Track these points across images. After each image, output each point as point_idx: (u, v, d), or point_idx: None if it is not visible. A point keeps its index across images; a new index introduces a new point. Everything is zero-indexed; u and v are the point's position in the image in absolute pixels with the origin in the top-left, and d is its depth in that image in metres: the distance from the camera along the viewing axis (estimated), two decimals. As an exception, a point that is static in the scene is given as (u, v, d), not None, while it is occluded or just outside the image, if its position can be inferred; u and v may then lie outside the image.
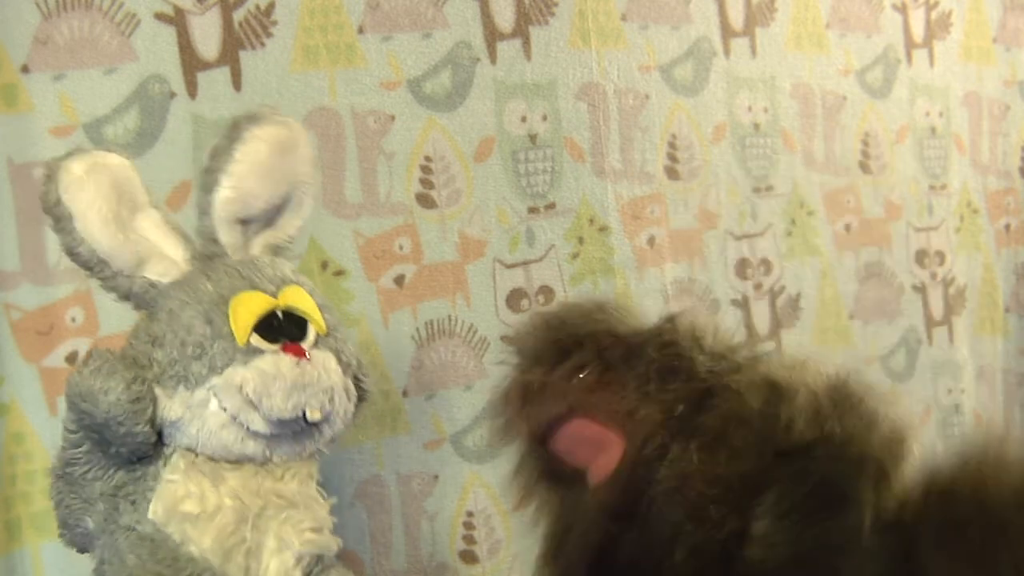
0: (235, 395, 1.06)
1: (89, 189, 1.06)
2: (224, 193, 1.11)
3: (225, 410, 1.07)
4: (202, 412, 1.07)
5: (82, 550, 1.15)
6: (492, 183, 1.68)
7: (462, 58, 1.65)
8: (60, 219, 1.06)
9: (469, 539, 1.67)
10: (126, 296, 1.11)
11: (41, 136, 1.43)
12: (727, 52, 1.85)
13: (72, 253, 1.08)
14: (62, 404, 1.43)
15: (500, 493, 1.69)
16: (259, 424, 1.07)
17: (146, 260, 1.10)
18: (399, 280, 1.62)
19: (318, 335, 1.13)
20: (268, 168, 1.13)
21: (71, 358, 1.45)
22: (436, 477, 1.65)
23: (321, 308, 1.15)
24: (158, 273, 1.11)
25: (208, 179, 1.12)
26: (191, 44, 1.50)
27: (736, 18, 1.86)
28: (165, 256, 1.11)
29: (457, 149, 1.66)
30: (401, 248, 1.63)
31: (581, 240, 1.73)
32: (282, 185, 1.15)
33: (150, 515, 1.05)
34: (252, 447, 1.09)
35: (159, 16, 1.49)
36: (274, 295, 1.10)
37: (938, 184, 2.06)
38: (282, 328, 1.10)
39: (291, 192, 1.17)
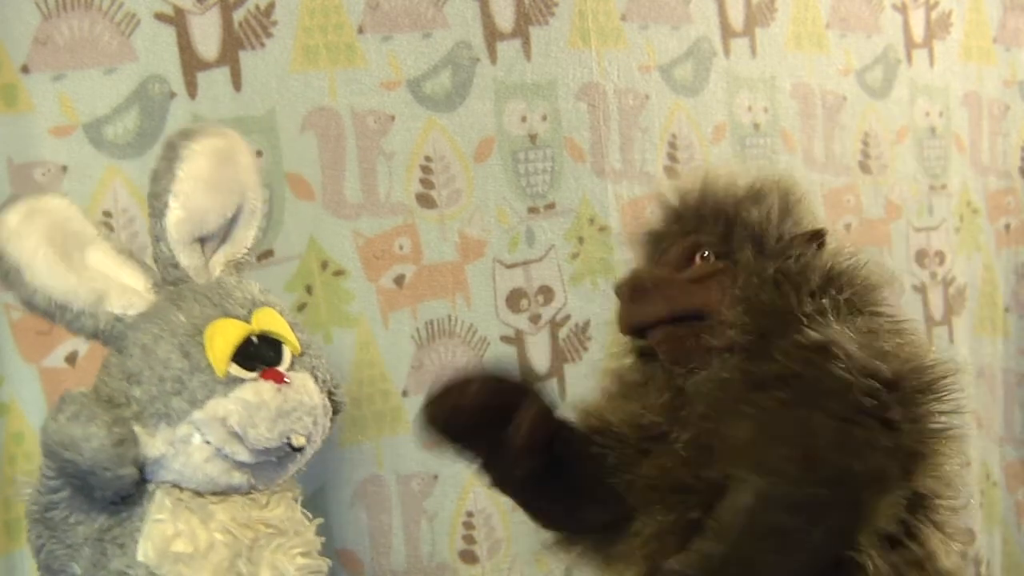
0: (219, 428, 1.05)
1: (29, 237, 1.04)
2: (175, 214, 1.10)
3: (209, 443, 1.06)
4: (185, 447, 1.06)
5: None
6: (492, 183, 1.68)
7: (462, 58, 1.65)
8: (8, 273, 1.04)
9: (469, 539, 1.67)
10: (93, 334, 1.09)
11: (41, 136, 1.43)
12: (727, 52, 1.85)
13: (29, 304, 1.06)
14: (62, 404, 1.44)
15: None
16: (244, 455, 1.06)
17: (106, 295, 1.08)
18: (399, 280, 1.62)
19: (293, 355, 1.12)
20: (213, 181, 1.12)
21: (71, 358, 1.45)
22: (436, 477, 1.65)
23: (292, 327, 1.14)
24: (122, 306, 1.08)
25: (156, 204, 1.10)
26: (191, 44, 1.50)
27: (736, 18, 1.86)
28: (126, 287, 1.09)
29: (457, 149, 1.66)
30: (401, 248, 1.63)
31: (581, 240, 1.73)
32: (231, 196, 1.14)
33: (140, 557, 1.04)
34: (238, 478, 1.08)
35: (159, 16, 1.48)
36: (247, 319, 1.09)
37: (938, 184, 2.06)
38: (259, 353, 1.09)
39: (241, 202, 1.16)
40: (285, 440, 1.07)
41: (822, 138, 1.94)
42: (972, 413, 2.08)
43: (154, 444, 1.05)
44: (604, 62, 1.74)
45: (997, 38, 2.13)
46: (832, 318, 1.03)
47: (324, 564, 1.14)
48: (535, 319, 1.71)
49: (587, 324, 1.74)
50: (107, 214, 1.47)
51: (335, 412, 1.18)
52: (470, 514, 1.67)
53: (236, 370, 1.06)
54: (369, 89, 1.60)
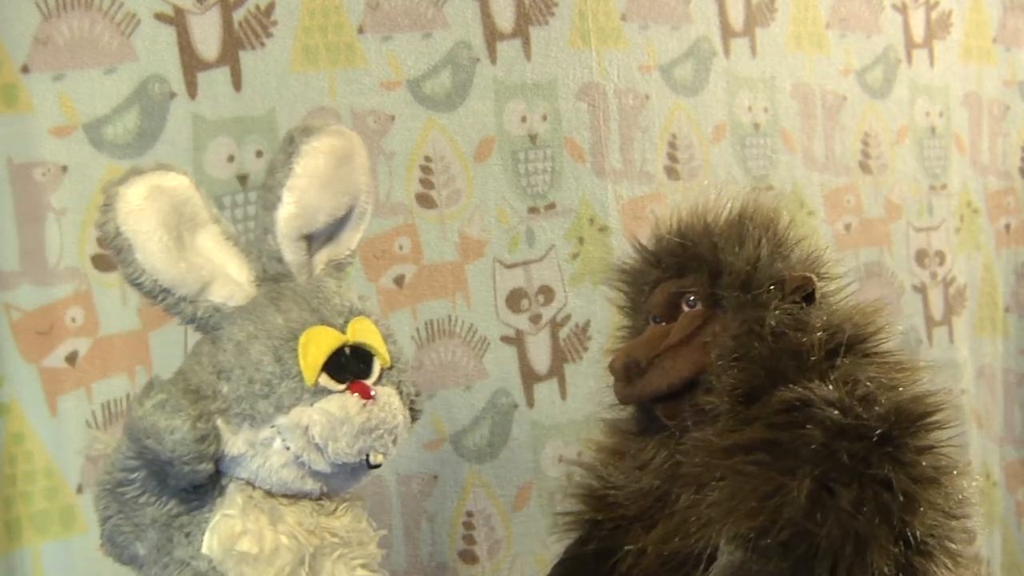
0: (300, 436, 1.04)
1: (149, 218, 1.02)
2: (287, 209, 1.08)
3: (289, 449, 1.05)
4: (265, 450, 1.05)
5: (124, 563, 1.12)
6: (492, 183, 1.68)
7: (462, 58, 1.65)
8: (120, 251, 1.02)
9: (469, 539, 1.67)
10: (190, 320, 1.08)
11: (41, 136, 1.44)
12: (727, 52, 1.85)
13: (134, 283, 1.04)
14: (62, 404, 1.44)
15: (500, 493, 1.69)
16: (322, 465, 1.06)
17: (210, 283, 1.07)
18: (399, 280, 1.62)
19: (382, 368, 1.11)
20: (328, 180, 1.10)
21: (71, 358, 1.45)
22: (436, 477, 1.65)
23: (386, 338, 1.12)
24: (223, 296, 1.07)
25: (269, 196, 1.09)
26: (191, 44, 1.50)
27: (736, 18, 1.86)
28: (229, 278, 1.08)
29: (457, 149, 1.66)
30: (401, 248, 1.63)
31: (581, 240, 1.73)
32: (344, 197, 1.13)
33: (204, 550, 1.03)
34: (311, 484, 1.08)
35: (159, 16, 1.49)
36: (342, 328, 1.08)
37: (938, 184, 2.06)
38: (349, 366, 1.07)
39: (353, 204, 1.14)
40: (363, 457, 1.06)
41: (822, 138, 1.95)
42: (972, 413, 2.08)
43: (235, 443, 1.05)
44: (604, 62, 1.74)
45: (997, 38, 2.13)
46: (824, 368, 1.04)
47: None
48: (535, 319, 1.71)
49: (587, 324, 1.74)
50: (107, 214, 1.47)
51: (413, 420, 1.17)
52: (470, 514, 1.67)
53: (325, 380, 1.05)
54: (369, 89, 1.60)
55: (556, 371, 1.72)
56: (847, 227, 1.96)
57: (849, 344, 1.06)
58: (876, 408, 1.00)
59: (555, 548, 1.25)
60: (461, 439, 1.67)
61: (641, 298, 1.20)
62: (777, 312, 1.07)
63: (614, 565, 1.13)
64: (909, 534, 0.98)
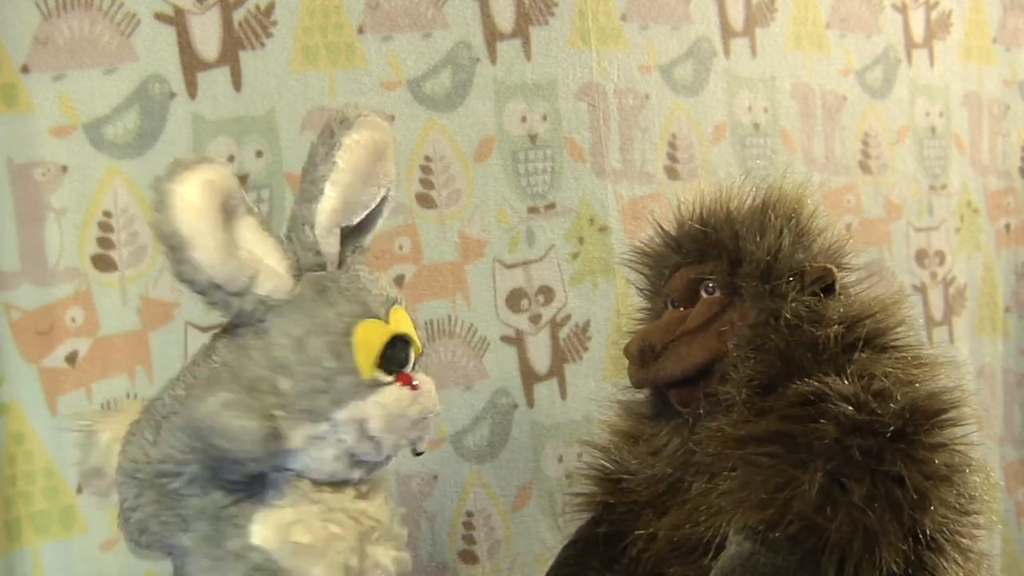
0: (355, 430, 1.05)
1: (206, 216, 1.00)
2: (330, 203, 1.08)
3: (342, 442, 1.06)
4: (320, 443, 1.05)
5: (153, 550, 1.11)
6: (492, 183, 1.68)
7: (462, 58, 1.65)
8: (176, 249, 1.00)
9: (469, 539, 1.67)
10: (236, 313, 1.06)
11: (41, 136, 1.44)
12: (727, 52, 1.85)
13: (184, 278, 1.02)
14: (62, 404, 1.44)
15: (500, 493, 1.69)
16: (373, 456, 1.07)
17: (256, 277, 1.05)
18: (399, 280, 1.62)
19: (416, 355, 1.11)
20: (368, 173, 1.10)
21: (71, 358, 1.45)
22: (435, 477, 1.65)
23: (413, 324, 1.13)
24: (268, 289, 1.05)
25: (311, 189, 1.08)
26: (191, 44, 1.50)
27: (736, 18, 1.86)
28: (272, 270, 1.07)
29: (457, 149, 1.66)
30: (401, 248, 1.63)
31: (581, 240, 1.73)
32: (379, 189, 1.13)
33: (256, 540, 1.04)
34: (356, 472, 1.09)
35: (159, 16, 1.49)
36: (387, 319, 1.08)
37: (938, 184, 2.06)
38: (396, 357, 1.08)
39: (384, 195, 1.15)
40: (413, 446, 1.08)
41: (822, 138, 1.95)
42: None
43: (293, 438, 1.05)
44: (604, 62, 1.74)
45: (997, 38, 2.13)
46: (841, 361, 1.04)
47: (410, 559, 1.14)
48: (535, 319, 1.71)
49: (587, 324, 1.74)
50: (107, 214, 1.47)
51: None
52: (470, 514, 1.67)
53: (377, 372, 1.06)
54: (369, 89, 1.60)
55: (556, 371, 1.72)
56: (848, 227, 1.96)
57: (868, 337, 1.06)
58: (891, 404, 1.00)
59: (555, 549, 1.25)
60: (461, 439, 1.66)
61: (661, 281, 1.20)
62: (793, 304, 1.07)
63: (624, 548, 1.14)
64: (919, 530, 0.98)
